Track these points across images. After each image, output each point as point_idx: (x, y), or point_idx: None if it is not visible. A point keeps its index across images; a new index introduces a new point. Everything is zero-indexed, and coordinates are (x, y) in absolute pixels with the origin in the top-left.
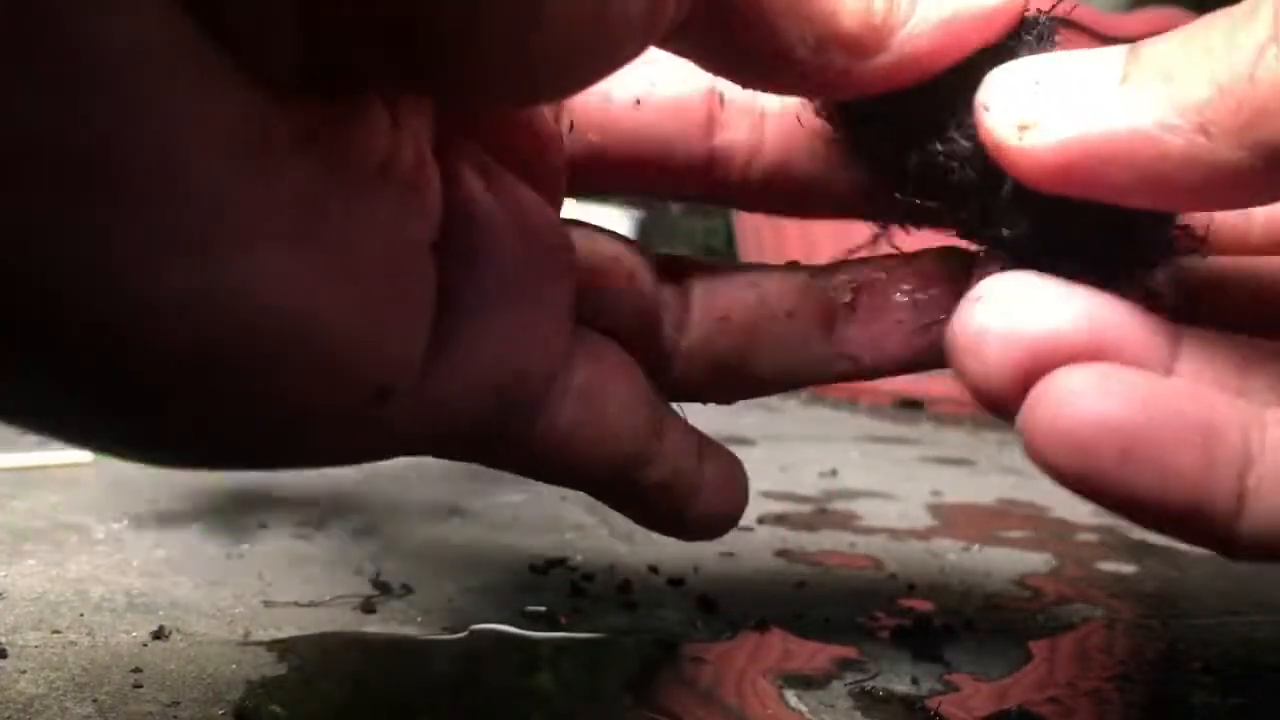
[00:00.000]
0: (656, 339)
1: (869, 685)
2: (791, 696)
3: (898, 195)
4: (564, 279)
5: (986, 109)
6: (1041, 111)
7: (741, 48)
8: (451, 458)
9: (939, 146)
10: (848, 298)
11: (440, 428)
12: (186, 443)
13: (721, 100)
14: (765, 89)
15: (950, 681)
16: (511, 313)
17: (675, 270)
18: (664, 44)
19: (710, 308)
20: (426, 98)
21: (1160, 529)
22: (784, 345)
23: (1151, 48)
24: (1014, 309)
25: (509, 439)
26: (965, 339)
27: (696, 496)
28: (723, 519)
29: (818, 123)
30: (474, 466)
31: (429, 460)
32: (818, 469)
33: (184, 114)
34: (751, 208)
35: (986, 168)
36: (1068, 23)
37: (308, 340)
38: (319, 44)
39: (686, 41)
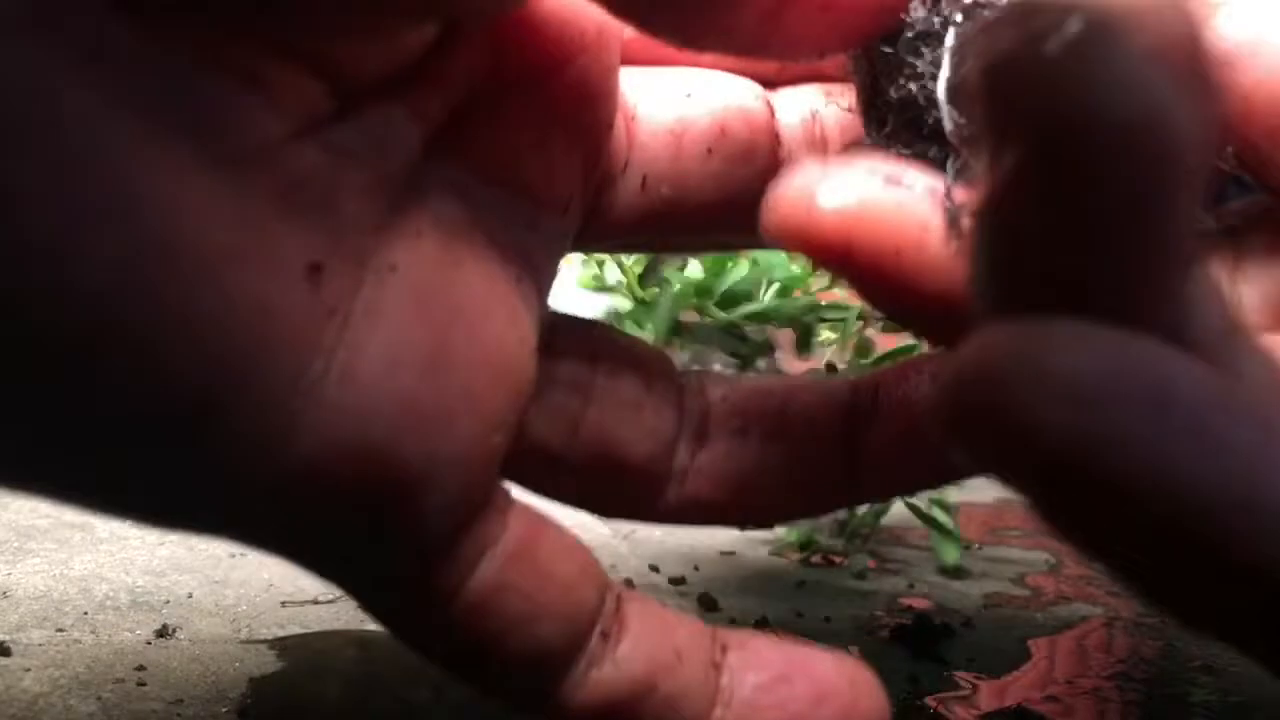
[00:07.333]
0: (666, 461)
1: None
2: None
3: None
4: (503, 392)
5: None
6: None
7: None
8: (309, 556)
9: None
10: (870, 399)
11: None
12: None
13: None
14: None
15: (950, 680)
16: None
17: (697, 384)
18: None
19: (729, 419)
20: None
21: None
22: (803, 460)
23: None
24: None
25: (380, 551)
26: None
27: None
28: None
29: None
30: None
31: None
32: None
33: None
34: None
35: None
36: None
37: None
38: None
39: None
